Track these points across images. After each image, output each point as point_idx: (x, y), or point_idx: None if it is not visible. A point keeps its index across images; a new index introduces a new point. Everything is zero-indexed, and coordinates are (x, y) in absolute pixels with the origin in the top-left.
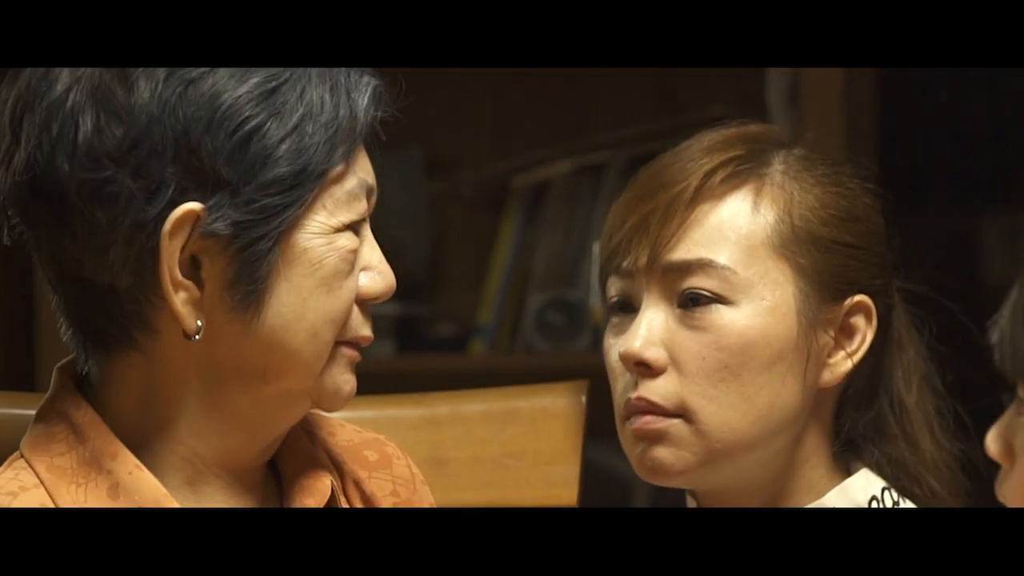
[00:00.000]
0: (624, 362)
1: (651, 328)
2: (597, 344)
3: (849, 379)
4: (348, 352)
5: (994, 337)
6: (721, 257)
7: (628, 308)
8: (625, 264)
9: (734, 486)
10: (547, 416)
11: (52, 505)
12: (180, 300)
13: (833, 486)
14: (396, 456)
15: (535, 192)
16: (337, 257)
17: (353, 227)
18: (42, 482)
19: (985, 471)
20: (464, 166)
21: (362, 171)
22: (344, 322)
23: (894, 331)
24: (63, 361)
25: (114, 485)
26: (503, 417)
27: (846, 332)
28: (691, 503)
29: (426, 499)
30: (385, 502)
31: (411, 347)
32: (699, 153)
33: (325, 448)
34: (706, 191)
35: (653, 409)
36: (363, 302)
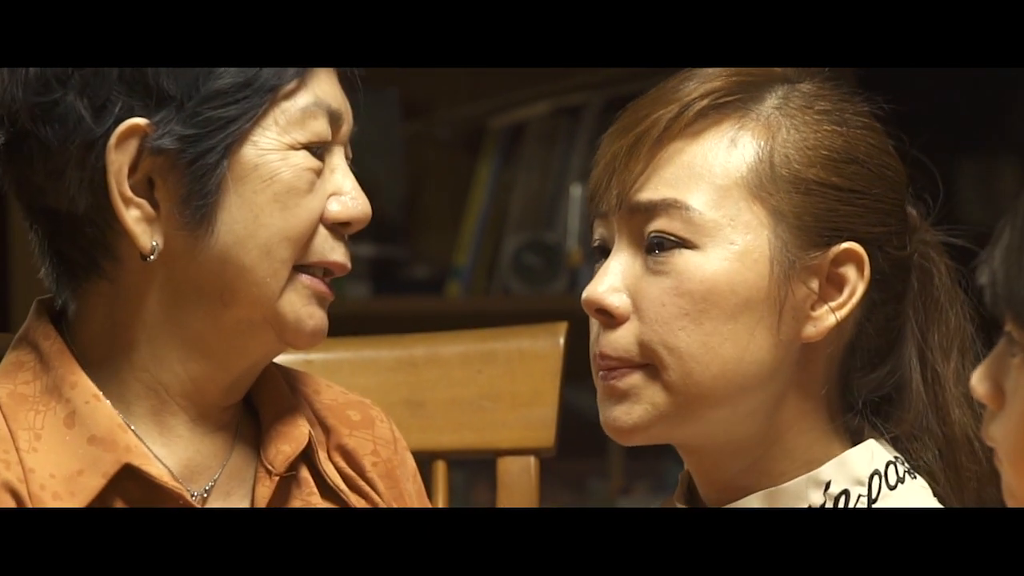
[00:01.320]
0: (586, 308)
1: (615, 274)
2: (574, 286)
3: (855, 335)
4: (309, 281)
5: (983, 278)
6: (687, 197)
7: (607, 252)
8: (602, 206)
9: (710, 443)
10: (525, 358)
11: (5, 428)
12: (132, 218)
13: (830, 454)
14: (380, 419)
15: (512, 133)
16: (291, 173)
17: (313, 149)
18: (0, 407)
19: None
20: (440, 107)
21: (321, 91)
22: (304, 243)
23: (934, 288)
24: (43, 296)
25: (71, 414)
26: (480, 359)
27: (834, 283)
28: (677, 503)
29: (408, 463)
30: (366, 460)
31: (387, 289)
32: (682, 86)
33: (309, 404)
34: (680, 127)
35: (614, 364)
36: (334, 227)
